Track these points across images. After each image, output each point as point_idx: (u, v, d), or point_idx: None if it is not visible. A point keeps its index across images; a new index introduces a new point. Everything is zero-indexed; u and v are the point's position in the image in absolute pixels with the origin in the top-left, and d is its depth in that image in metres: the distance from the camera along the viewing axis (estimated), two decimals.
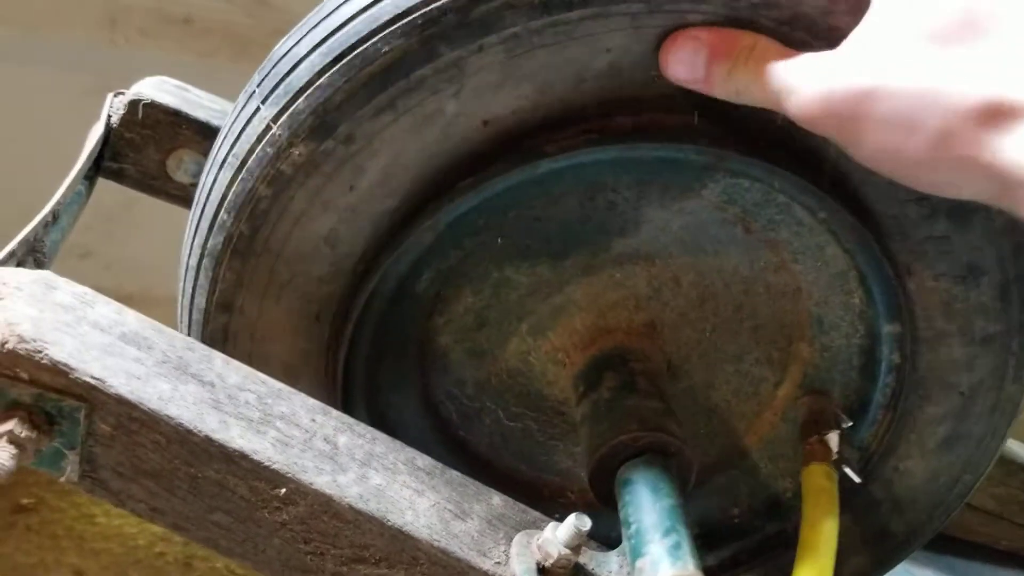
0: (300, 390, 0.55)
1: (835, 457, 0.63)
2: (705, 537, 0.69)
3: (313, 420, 0.52)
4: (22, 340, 0.46)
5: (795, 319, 0.66)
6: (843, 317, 0.66)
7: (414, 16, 0.51)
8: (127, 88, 0.74)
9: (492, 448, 0.68)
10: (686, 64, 0.51)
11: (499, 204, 0.59)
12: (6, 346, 0.46)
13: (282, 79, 0.53)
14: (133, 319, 0.51)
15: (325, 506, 0.50)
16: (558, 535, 0.53)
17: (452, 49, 0.51)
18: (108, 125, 0.69)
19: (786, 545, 0.68)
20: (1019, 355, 0.64)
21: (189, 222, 0.60)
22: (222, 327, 0.59)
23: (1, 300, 0.48)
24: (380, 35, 0.51)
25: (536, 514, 0.56)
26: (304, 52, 0.53)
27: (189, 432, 0.48)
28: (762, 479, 0.71)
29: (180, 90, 0.72)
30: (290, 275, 0.58)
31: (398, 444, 0.55)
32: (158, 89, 0.71)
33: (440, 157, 0.55)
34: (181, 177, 0.71)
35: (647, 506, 0.55)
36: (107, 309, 0.50)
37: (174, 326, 0.63)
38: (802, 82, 0.47)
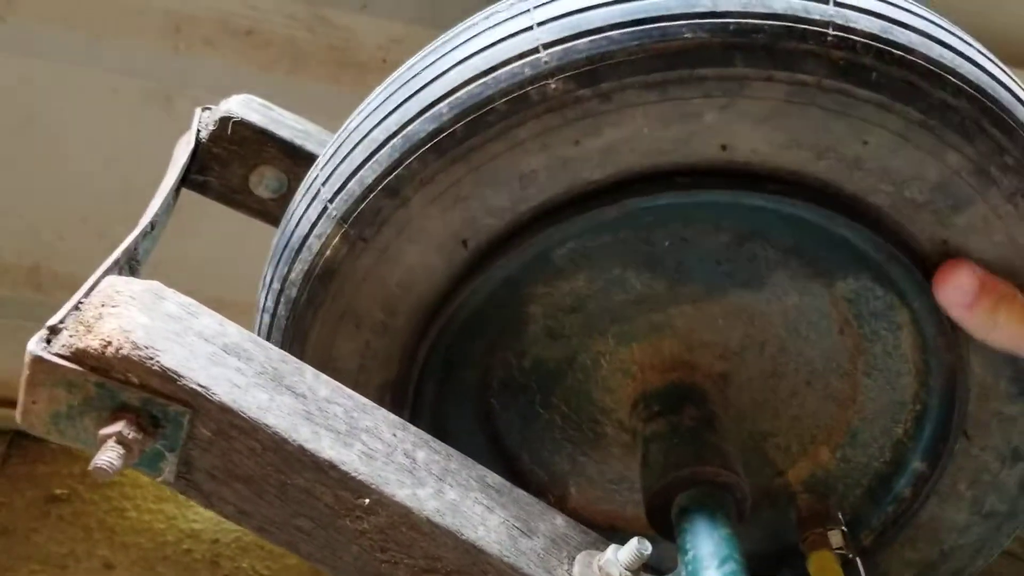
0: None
1: (839, 550, 0.66)
2: None
3: (394, 435, 0.55)
4: (136, 347, 0.49)
5: (832, 424, 0.69)
6: (877, 439, 0.68)
7: (728, 20, 0.52)
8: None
9: (507, 425, 0.70)
10: (961, 290, 0.57)
11: (677, 212, 0.60)
12: (121, 351, 0.49)
13: (567, 15, 0.53)
14: (234, 331, 0.54)
15: (404, 518, 0.52)
16: (619, 557, 0.55)
17: (745, 66, 0.52)
18: (198, 139, 0.72)
19: None
20: (1004, 537, 0.68)
21: (380, 94, 0.59)
22: (376, 209, 0.57)
23: (116, 307, 0.51)
24: (687, 21, 0.52)
25: (595, 535, 0.59)
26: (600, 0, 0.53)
27: (284, 441, 0.51)
28: None
29: (265, 108, 0.76)
30: (470, 193, 0.56)
31: (470, 461, 0.58)
32: (245, 107, 0.74)
33: (663, 156, 0.55)
34: (262, 192, 0.75)
35: (705, 534, 0.58)
36: (210, 320, 0.53)
37: None
38: None
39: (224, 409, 0.50)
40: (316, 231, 0.60)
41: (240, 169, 0.74)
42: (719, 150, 0.56)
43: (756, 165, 0.56)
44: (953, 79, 0.54)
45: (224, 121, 0.72)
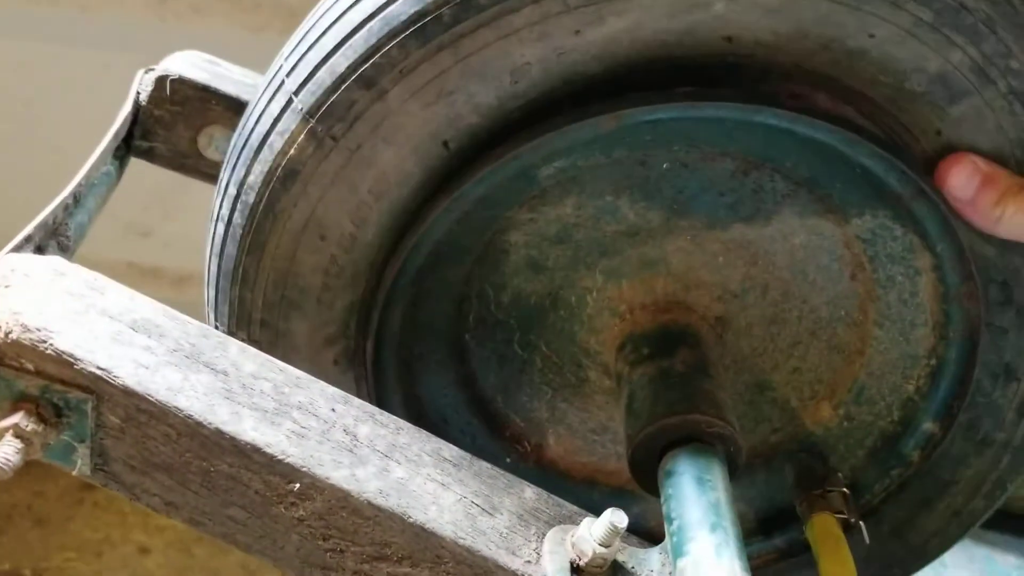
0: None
1: (839, 513, 0.61)
2: None
3: (332, 410, 0.50)
4: (26, 329, 0.45)
5: (836, 378, 0.63)
6: (885, 396, 0.63)
7: None
8: None
9: (484, 364, 0.64)
10: (962, 181, 0.54)
11: (681, 130, 0.54)
12: (10, 335, 0.44)
13: None
14: (146, 306, 0.49)
15: (343, 502, 0.47)
16: (593, 532, 0.49)
17: None
18: (136, 102, 0.67)
19: None
20: (1001, 473, 0.62)
21: None
22: (349, 102, 0.51)
23: (7, 287, 0.46)
24: None
25: (572, 508, 0.53)
26: None
27: (199, 424, 0.46)
28: None
29: (210, 64, 0.70)
30: (455, 87, 0.51)
31: (424, 434, 0.52)
32: (188, 64, 0.69)
33: (664, 48, 0.51)
34: (212, 154, 0.69)
35: (692, 499, 0.51)
36: (118, 296, 0.48)
37: None
38: None
39: (128, 393, 0.45)
40: (279, 127, 0.53)
41: (186, 131, 0.68)
42: (723, 42, 0.51)
43: (760, 58, 0.52)
44: None
45: (161, 80, 0.67)
